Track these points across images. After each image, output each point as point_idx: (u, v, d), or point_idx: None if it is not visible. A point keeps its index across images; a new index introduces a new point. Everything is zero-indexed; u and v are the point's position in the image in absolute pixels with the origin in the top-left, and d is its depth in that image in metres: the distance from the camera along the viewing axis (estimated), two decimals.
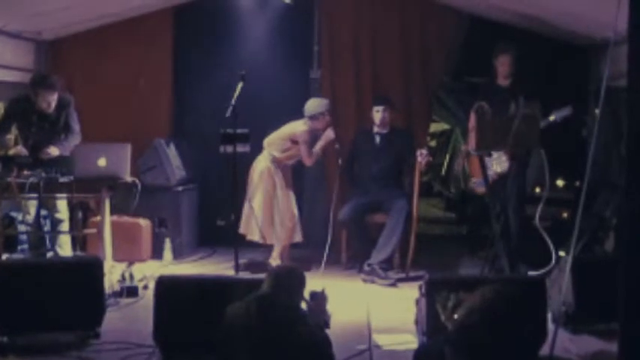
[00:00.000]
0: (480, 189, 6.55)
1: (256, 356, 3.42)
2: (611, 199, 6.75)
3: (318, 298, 4.16)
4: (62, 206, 6.75)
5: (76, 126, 6.71)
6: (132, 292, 5.98)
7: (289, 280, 3.92)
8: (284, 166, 7.11)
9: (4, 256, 6.33)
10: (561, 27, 7.14)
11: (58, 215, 6.74)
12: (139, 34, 8.04)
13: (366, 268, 6.79)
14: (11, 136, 6.67)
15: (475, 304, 3.03)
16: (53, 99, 6.47)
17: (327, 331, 4.03)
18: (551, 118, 6.09)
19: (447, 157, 9.07)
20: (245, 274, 6.41)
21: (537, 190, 7.05)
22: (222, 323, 3.59)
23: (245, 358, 3.44)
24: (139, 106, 8.03)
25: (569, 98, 6.50)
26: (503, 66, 6.69)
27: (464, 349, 3.06)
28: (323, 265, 6.78)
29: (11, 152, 6.34)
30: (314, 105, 7.07)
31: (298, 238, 7.18)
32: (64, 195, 6.39)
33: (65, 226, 6.82)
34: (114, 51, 8.04)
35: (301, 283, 3.99)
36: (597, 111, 7.02)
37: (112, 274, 6.04)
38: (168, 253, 7.43)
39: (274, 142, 7.10)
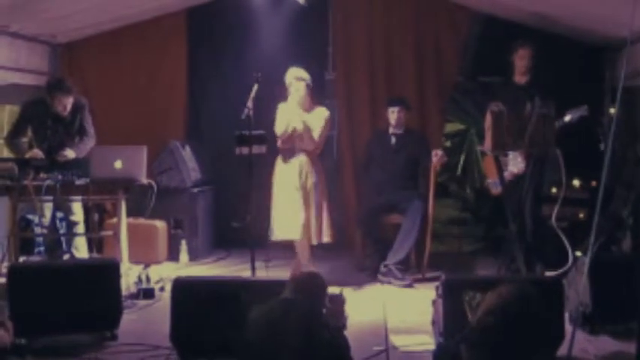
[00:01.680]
0: (495, 190, 6.51)
1: None
2: (627, 198, 6.71)
3: (337, 300, 4.17)
4: (77, 209, 6.78)
5: (90, 129, 6.74)
6: (148, 294, 6.00)
7: (311, 286, 3.96)
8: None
9: (22, 259, 6.35)
10: (576, 26, 7.10)
11: (73, 218, 6.78)
12: (153, 37, 8.08)
13: (382, 269, 6.76)
14: (26, 139, 6.69)
15: (492, 305, 3.03)
16: (69, 102, 6.50)
17: (344, 332, 4.03)
18: (567, 118, 6.03)
19: (463, 157, 9.03)
20: (261, 276, 6.39)
21: (554, 190, 7.00)
22: (245, 326, 3.60)
23: None
24: (154, 108, 8.06)
25: (584, 98, 6.45)
26: (522, 60, 6.58)
27: (481, 349, 3.06)
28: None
29: (28, 155, 6.35)
30: None
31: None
32: (80, 197, 6.43)
33: (81, 228, 6.85)
34: (128, 54, 8.10)
35: (322, 289, 4.04)
36: (612, 110, 7.01)
37: (129, 276, 6.06)
38: (184, 255, 7.47)
39: None
